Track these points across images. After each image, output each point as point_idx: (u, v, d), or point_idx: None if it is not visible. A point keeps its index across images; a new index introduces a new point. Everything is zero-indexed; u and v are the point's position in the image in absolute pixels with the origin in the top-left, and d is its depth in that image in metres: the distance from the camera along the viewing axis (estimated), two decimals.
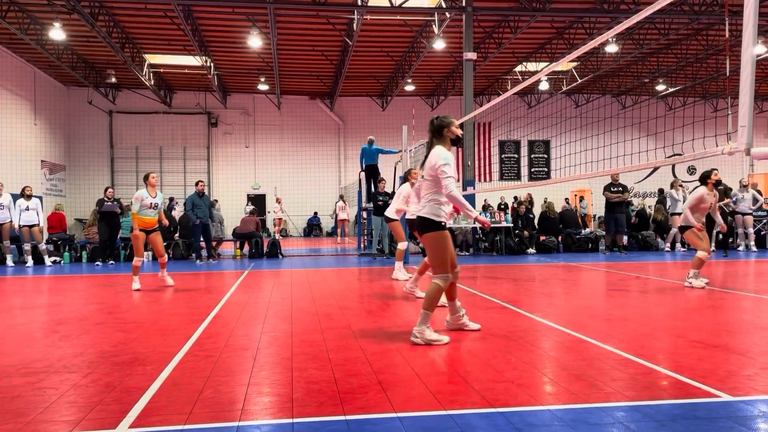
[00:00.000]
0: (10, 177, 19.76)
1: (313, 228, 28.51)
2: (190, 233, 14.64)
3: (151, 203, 8.62)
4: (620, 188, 15.04)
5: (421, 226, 4.97)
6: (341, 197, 24.53)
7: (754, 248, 15.08)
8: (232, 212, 24.29)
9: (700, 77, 25.08)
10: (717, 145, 4.07)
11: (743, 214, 15.12)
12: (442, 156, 4.90)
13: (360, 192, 17.08)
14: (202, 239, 14.28)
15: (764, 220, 16.23)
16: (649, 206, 21.63)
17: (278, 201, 24.59)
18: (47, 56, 20.10)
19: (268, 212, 27.55)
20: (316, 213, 28.64)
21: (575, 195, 23.95)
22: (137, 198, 8.60)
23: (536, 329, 5.39)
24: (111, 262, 13.76)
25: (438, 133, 5.08)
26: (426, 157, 5.09)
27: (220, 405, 3.28)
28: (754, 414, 3.07)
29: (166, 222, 9.23)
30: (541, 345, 4.78)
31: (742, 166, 28.41)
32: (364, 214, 17.15)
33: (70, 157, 26.31)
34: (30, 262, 13.55)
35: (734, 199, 15.40)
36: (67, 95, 26.40)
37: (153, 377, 3.81)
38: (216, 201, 22.47)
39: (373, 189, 15.23)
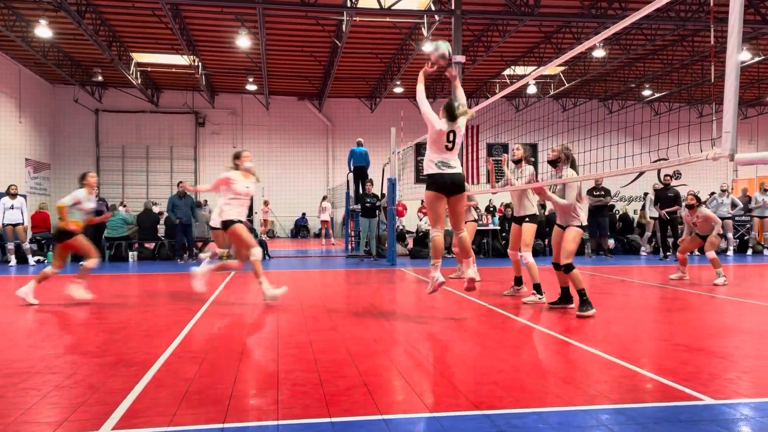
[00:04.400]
0: None
1: (300, 229, 28.43)
2: (150, 232, 14.82)
3: None
4: (603, 192, 15.17)
5: None
6: (324, 198, 24.39)
7: (730, 253, 15.32)
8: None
9: (685, 83, 25.32)
10: (702, 151, 4.12)
11: (722, 219, 15.33)
12: None
13: (348, 193, 17.07)
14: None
15: (747, 225, 16.41)
16: (634, 210, 21.85)
17: (266, 203, 24.52)
18: (33, 54, 19.88)
19: (255, 213, 27.44)
20: (304, 214, 28.56)
21: None
22: None
23: (522, 332, 5.41)
24: None
25: None
26: None
27: (205, 407, 3.26)
28: (736, 417, 3.10)
29: None
30: (526, 348, 4.80)
31: (727, 172, 28.72)
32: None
33: (55, 156, 26.03)
34: (13, 261, 13.40)
35: (713, 203, 15.60)
36: (53, 93, 26.13)
37: (137, 378, 3.77)
38: (206, 201, 22.33)
39: (361, 191, 15.23)
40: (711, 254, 9.26)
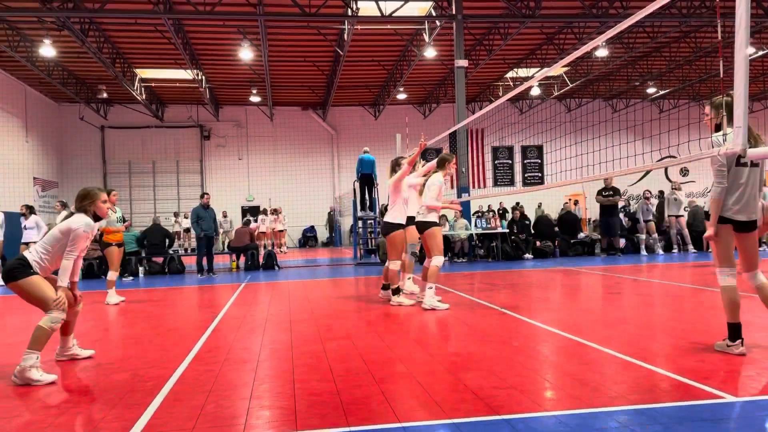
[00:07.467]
0: (2, 195, 19.68)
1: (308, 239, 28.48)
2: (160, 247, 14.71)
3: None
4: (612, 192, 15.12)
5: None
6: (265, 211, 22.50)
7: (692, 249, 15.43)
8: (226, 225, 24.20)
9: (690, 79, 25.24)
10: (713, 147, 4.09)
11: (677, 216, 15.39)
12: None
13: (355, 201, 17.07)
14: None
15: None
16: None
17: (277, 211, 22.84)
18: (38, 73, 20.06)
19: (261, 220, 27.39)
20: (312, 226, 28.64)
21: (570, 199, 24.01)
22: None
23: (536, 334, 5.38)
24: None
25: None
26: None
27: (222, 419, 3.26)
28: (760, 414, 3.06)
29: None
30: (542, 350, 4.77)
31: None
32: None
33: (62, 174, 26.22)
34: None
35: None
36: (59, 112, 26.34)
37: (154, 393, 3.77)
38: (225, 213, 22.12)
39: (367, 197, 15.24)
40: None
